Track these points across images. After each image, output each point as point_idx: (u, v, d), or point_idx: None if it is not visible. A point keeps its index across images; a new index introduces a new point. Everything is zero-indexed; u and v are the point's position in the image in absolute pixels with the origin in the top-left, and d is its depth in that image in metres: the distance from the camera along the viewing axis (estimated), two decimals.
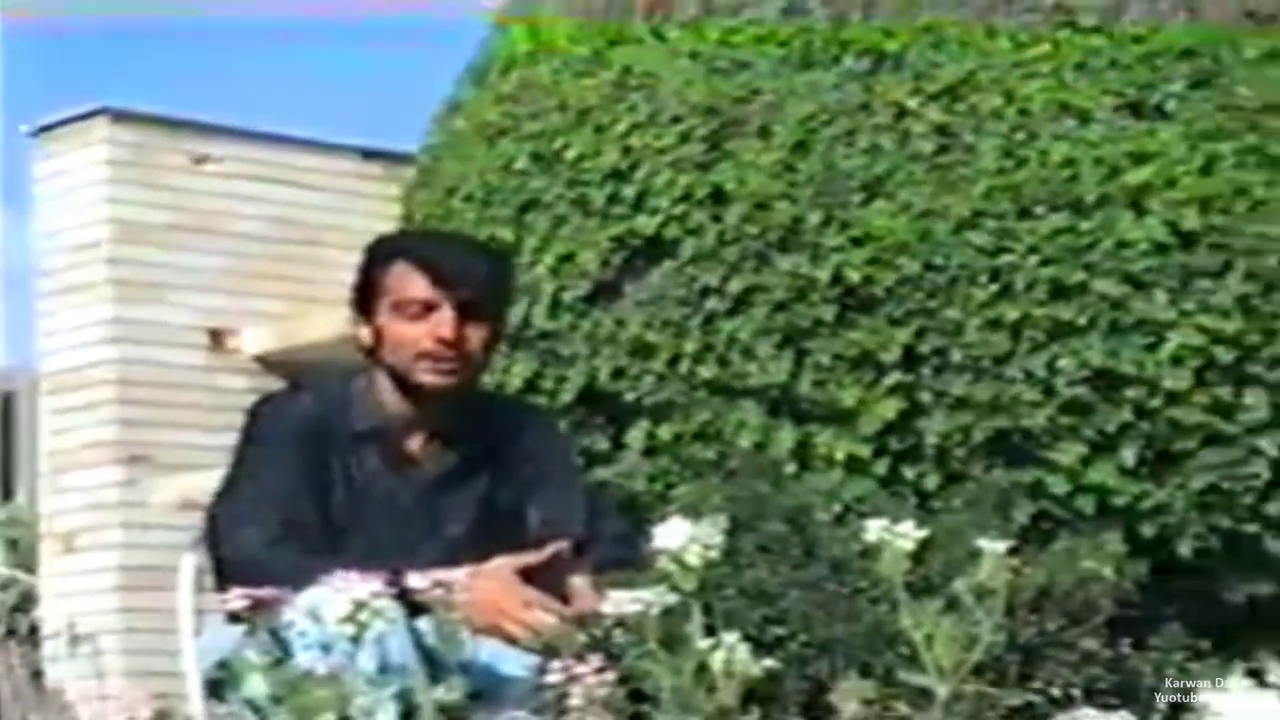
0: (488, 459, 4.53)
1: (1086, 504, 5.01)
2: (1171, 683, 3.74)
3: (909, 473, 5.04)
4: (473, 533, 4.41)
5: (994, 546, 2.87)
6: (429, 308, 4.31)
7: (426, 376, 4.33)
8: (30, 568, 13.56)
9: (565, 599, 4.11)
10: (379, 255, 4.54)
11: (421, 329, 4.30)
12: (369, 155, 12.93)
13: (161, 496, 12.26)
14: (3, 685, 12.59)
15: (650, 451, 5.18)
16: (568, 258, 5.26)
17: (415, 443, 4.49)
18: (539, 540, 4.31)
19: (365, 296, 4.45)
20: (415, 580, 3.72)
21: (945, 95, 5.14)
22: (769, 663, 2.80)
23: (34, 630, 13.32)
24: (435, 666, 3.96)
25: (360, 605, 3.01)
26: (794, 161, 5.14)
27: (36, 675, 13.05)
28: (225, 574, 4.34)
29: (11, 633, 13.37)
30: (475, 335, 4.37)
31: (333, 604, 3.04)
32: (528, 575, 4.20)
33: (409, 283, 4.36)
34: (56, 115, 13.66)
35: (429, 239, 4.99)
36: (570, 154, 5.39)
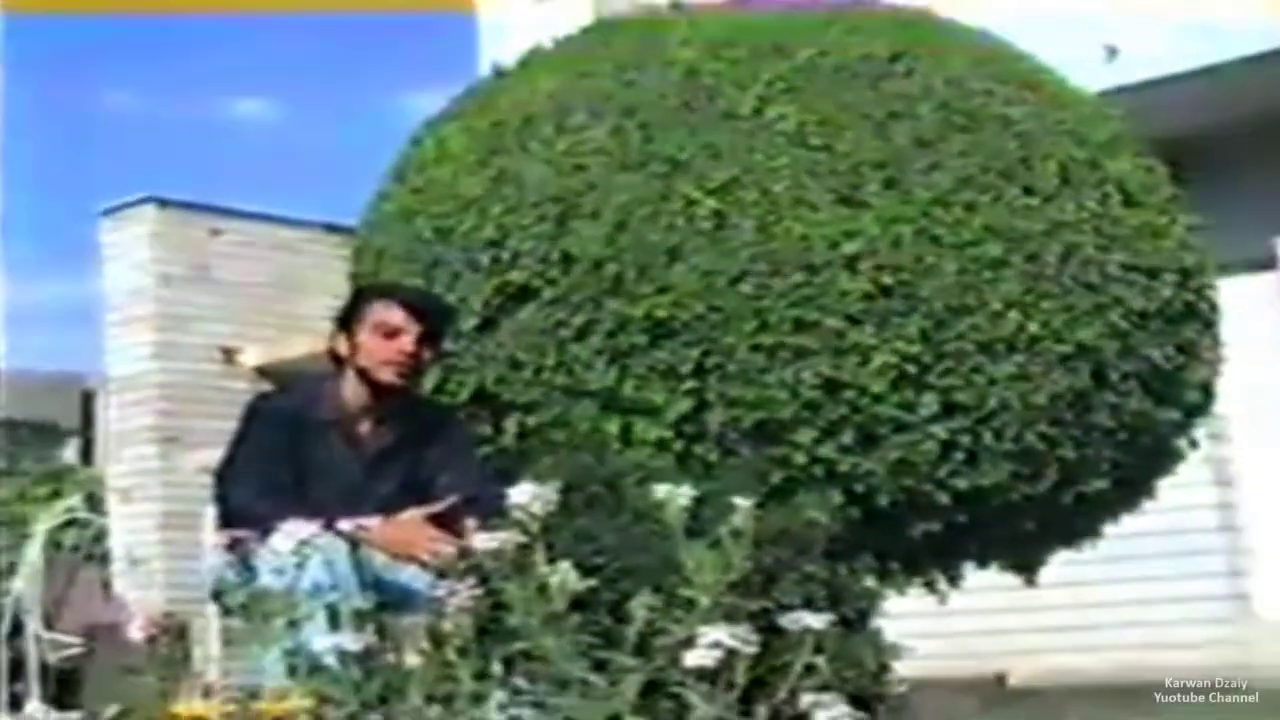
0: (412, 440, 4.56)
1: (818, 471, 4.99)
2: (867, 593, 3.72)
3: (698, 450, 5.01)
4: (399, 492, 4.43)
5: (744, 502, 2.85)
6: (399, 331, 4.42)
7: (388, 377, 4.48)
8: (102, 513, 13.45)
9: (459, 536, 4.11)
10: (368, 293, 4.72)
11: (392, 344, 4.48)
12: (330, 229, 13.01)
13: (188, 465, 12.32)
14: (87, 593, 12.50)
15: (520, 435, 5.14)
16: (462, 300, 5.21)
17: (364, 427, 4.54)
18: (441, 497, 4.34)
19: (350, 319, 4.56)
20: (343, 525, 3.73)
21: (720, 190, 5.11)
22: (589, 582, 2.77)
23: (105, 556, 13.21)
24: (367, 584, 3.95)
25: (303, 543, 2.99)
26: (616, 236, 5.10)
27: (106, 586, 12.94)
28: (225, 518, 4.34)
29: (90, 557, 13.25)
30: (425, 353, 4.58)
31: (284, 542, 3.03)
32: (434, 520, 4.22)
33: (389, 313, 4.54)
34: (118, 201, 13.66)
35: (405, 288, 5.00)
36: (462, 229, 5.34)
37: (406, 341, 4.49)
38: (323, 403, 4.58)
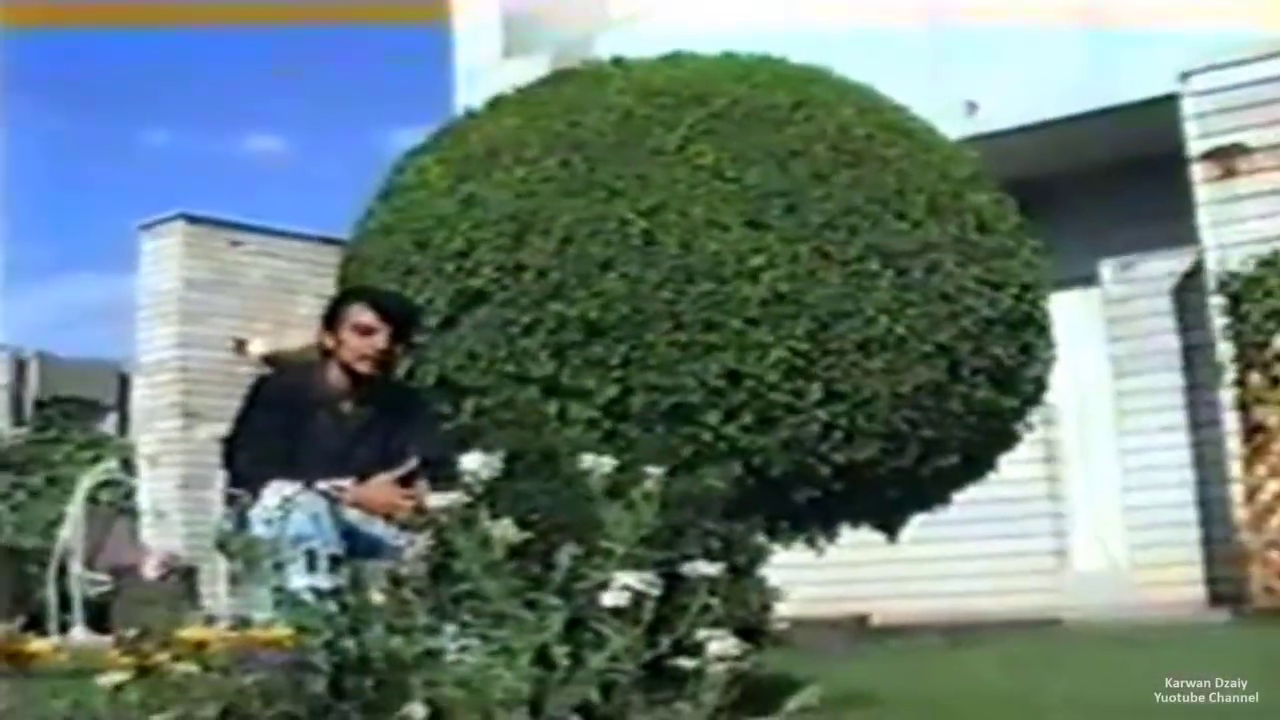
0: (387, 417, 4.49)
1: (722, 447, 4.97)
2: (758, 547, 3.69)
3: (622, 428, 4.97)
4: (375, 459, 4.36)
5: (655, 471, 2.81)
6: (372, 330, 4.33)
7: (364, 369, 4.39)
8: (133, 474, 13.30)
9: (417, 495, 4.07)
10: (348, 296, 4.64)
11: (367, 341, 4.38)
12: (326, 241, 12.92)
13: (204, 435, 12.24)
14: (118, 540, 12.37)
15: (476, 415, 5.08)
16: (430, 301, 5.15)
17: (347, 407, 4.47)
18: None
19: (333, 318, 4.47)
20: (321, 485, 3.66)
21: (648, 213, 5.08)
22: (525, 535, 2.72)
23: (134, 511, 13.08)
24: (347, 536, 3.89)
25: (287, 500, 2.94)
26: (561, 249, 5.06)
27: (134, 535, 12.82)
28: (231, 480, 4.26)
29: (122, 511, 13.10)
30: (395, 349, 4.47)
31: (273, 499, 2.98)
32: (402, 483, 4.17)
33: (364, 315, 4.44)
34: (154, 217, 13.55)
35: (379, 292, 4.91)
36: (435, 242, 5.28)
37: (379, 339, 4.42)
38: (312, 386, 4.51)
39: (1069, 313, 7.89)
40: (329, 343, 4.50)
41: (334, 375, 4.49)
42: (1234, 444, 8.12)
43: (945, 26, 9.21)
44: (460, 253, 5.19)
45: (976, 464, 5.64)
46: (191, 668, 2.53)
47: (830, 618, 6.77)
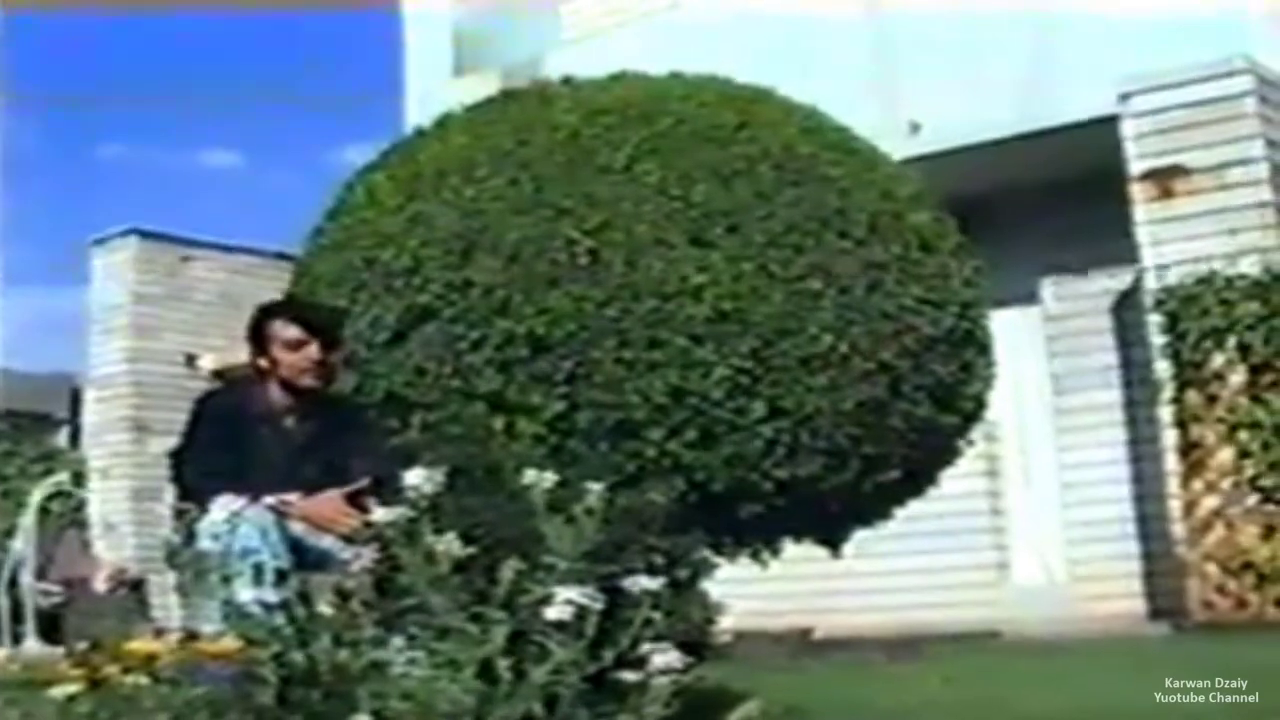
0: (330, 432, 4.46)
1: (666, 463, 5.01)
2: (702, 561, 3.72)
3: (569, 444, 5.01)
4: (319, 475, 4.32)
5: (596, 486, 2.83)
6: (303, 343, 4.28)
7: (307, 382, 4.32)
8: (85, 487, 13.19)
9: (366, 511, 4.04)
10: (267, 313, 4.51)
11: (301, 355, 4.31)
12: (278, 256, 12.86)
13: (155, 448, 12.18)
14: (69, 552, 12.27)
15: (424, 430, 5.10)
16: (379, 317, 5.17)
17: (289, 422, 4.42)
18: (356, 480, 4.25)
19: (260, 337, 4.40)
20: (267, 500, 3.65)
21: (595, 232, 5.12)
22: (469, 550, 2.74)
23: (84, 523, 12.97)
24: (295, 550, 3.89)
25: (234, 514, 2.95)
26: (509, 266, 5.10)
27: (85, 546, 12.71)
28: (180, 494, 4.23)
29: (74, 523, 12.97)
30: (329, 359, 4.37)
31: (219, 513, 2.98)
32: (350, 498, 4.15)
33: (288, 330, 4.34)
34: (107, 232, 13.49)
35: (297, 305, 4.88)
36: (383, 259, 5.30)
37: (312, 351, 4.37)
38: (254, 402, 4.47)
39: (1009, 330, 8.00)
40: (263, 363, 4.46)
41: (275, 392, 4.45)
42: (1172, 460, 8.21)
43: (889, 45, 9.30)
44: (409, 270, 5.22)
45: (917, 479, 5.70)
46: (141, 680, 2.55)
47: (773, 631, 6.80)
